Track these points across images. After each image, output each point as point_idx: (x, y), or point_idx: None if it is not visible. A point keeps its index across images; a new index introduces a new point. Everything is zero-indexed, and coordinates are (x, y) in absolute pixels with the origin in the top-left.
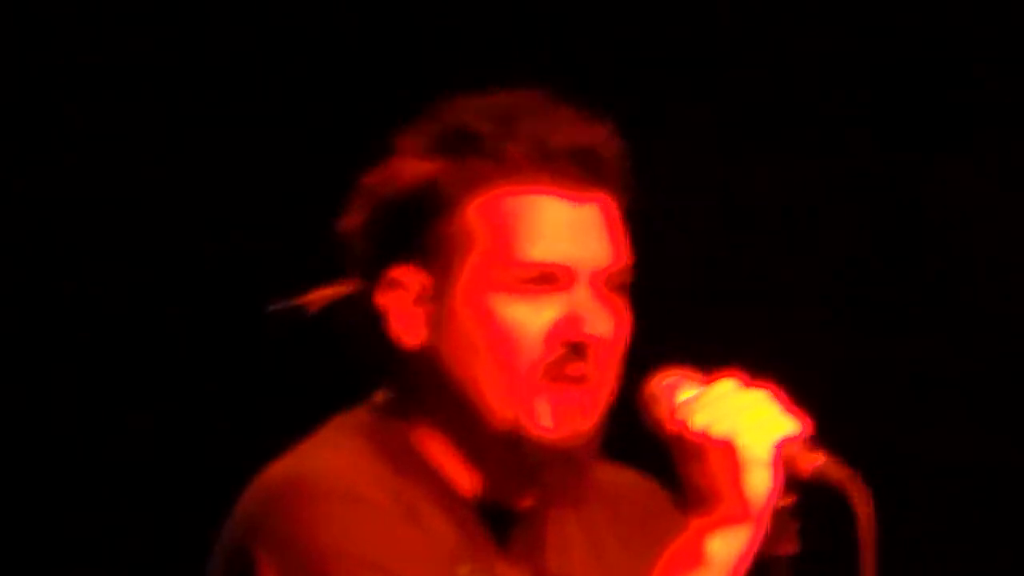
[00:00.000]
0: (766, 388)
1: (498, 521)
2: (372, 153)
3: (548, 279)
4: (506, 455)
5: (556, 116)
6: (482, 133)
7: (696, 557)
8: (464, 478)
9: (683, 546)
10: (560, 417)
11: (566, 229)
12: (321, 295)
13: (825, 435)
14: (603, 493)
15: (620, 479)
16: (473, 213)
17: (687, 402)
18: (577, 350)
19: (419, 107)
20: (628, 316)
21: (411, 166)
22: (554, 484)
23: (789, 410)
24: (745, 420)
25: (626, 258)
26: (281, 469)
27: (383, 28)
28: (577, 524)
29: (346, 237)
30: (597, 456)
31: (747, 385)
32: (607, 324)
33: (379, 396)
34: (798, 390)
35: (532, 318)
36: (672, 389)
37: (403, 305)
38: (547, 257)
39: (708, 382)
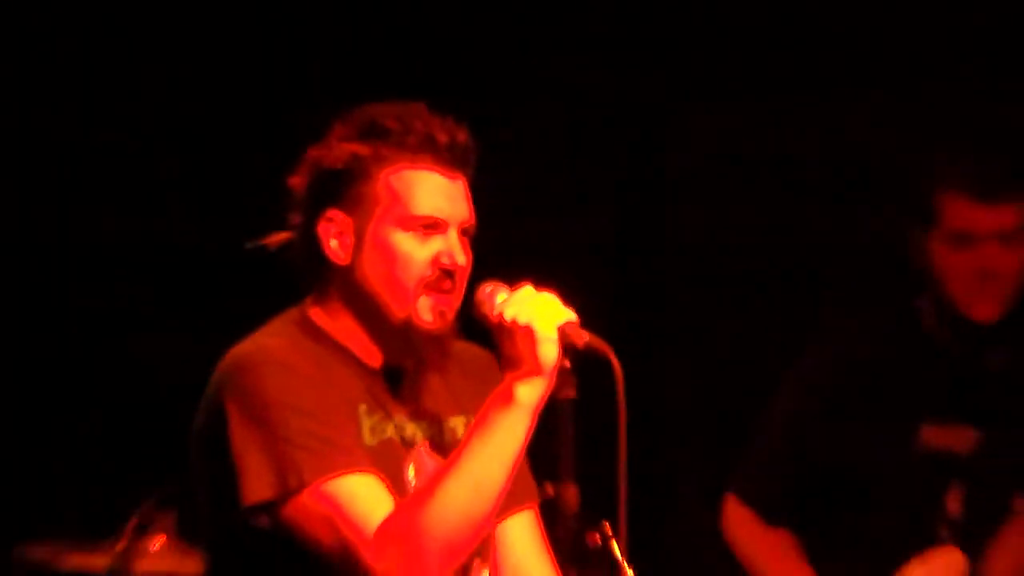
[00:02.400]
0: (550, 291)
1: (392, 379)
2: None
3: (431, 226)
4: (399, 337)
5: (437, 120)
6: (390, 128)
7: (509, 398)
8: (369, 352)
9: (501, 392)
10: (435, 313)
11: (444, 194)
12: (277, 237)
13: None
14: (459, 359)
15: (470, 351)
16: (383, 180)
17: (502, 302)
18: (448, 273)
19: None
20: (471, 253)
21: (343, 146)
22: (430, 354)
23: (565, 305)
24: (539, 312)
25: (474, 216)
26: (241, 347)
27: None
28: (443, 379)
29: (293, 188)
30: (456, 336)
31: (539, 290)
32: (465, 257)
33: (308, 300)
34: (570, 292)
35: (420, 250)
36: (492, 294)
37: (334, 235)
38: (432, 212)
39: (514, 289)
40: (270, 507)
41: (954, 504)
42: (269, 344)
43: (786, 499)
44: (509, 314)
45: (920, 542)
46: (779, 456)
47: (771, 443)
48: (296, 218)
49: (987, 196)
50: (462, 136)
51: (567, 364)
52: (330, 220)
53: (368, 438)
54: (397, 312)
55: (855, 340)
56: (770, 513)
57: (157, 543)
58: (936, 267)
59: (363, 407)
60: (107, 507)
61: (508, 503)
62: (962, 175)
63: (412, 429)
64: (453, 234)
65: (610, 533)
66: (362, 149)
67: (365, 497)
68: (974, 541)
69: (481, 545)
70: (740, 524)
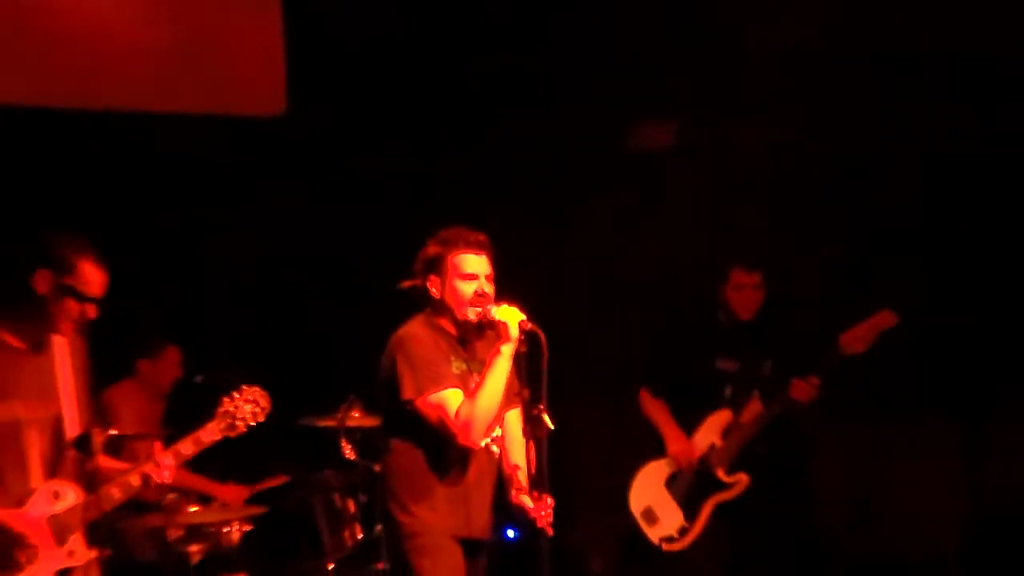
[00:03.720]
0: (513, 304)
1: (462, 344)
2: (421, 242)
3: (471, 278)
4: (463, 325)
5: (471, 232)
6: (450, 239)
7: (498, 352)
8: (452, 332)
9: (495, 351)
10: (476, 315)
11: (476, 263)
12: (408, 283)
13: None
14: (490, 336)
15: (492, 333)
16: (449, 261)
17: (494, 311)
18: (482, 296)
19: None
20: (494, 288)
21: (432, 248)
22: (478, 331)
23: (520, 311)
24: (509, 315)
25: (494, 271)
26: (401, 331)
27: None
28: (484, 343)
29: (415, 269)
30: (489, 327)
31: (509, 304)
32: (491, 289)
33: (427, 310)
34: (524, 303)
35: (467, 288)
36: (489, 308)
37: (434, 287)
38: (470, 271)
39: (499, 304)
40: (411, 402)
41: (728, 393)
42: (413, 330)
43: (662, 387)
44: (496, 316)
45: (713, 410)
46: (657, 368)
47: (654, 363)
48: (418, 281)
49: (750, 270)
50: (483, 237)
51: (521, 337)
52: (431, 281)
53: (455, 372)
54: (460, 316)
55: (690, 324)
56: (654, 392)
57: (356, 413)
58: (729, 299)
59: (452, 357)
60: (333, 397)
61: (508, 402)
62: (736, 263)
63: (472, 367)
64: (482, 279)
65: (543, 409)
66: (440, 250)
67: (452, 400)
68: (736, 410)
69: (497, 420)
70: (644, 398)
